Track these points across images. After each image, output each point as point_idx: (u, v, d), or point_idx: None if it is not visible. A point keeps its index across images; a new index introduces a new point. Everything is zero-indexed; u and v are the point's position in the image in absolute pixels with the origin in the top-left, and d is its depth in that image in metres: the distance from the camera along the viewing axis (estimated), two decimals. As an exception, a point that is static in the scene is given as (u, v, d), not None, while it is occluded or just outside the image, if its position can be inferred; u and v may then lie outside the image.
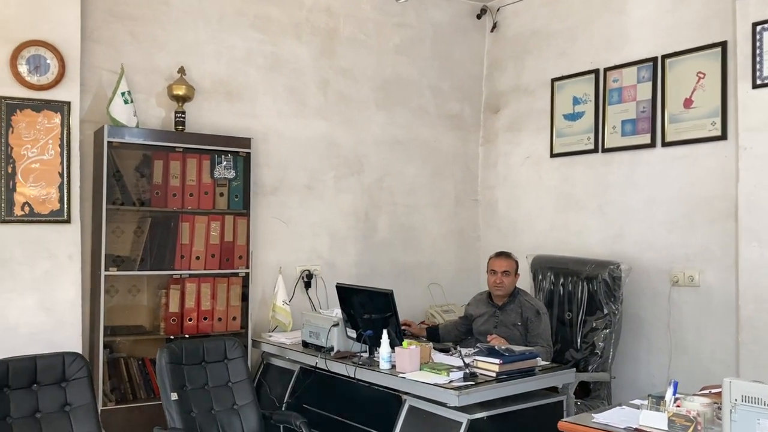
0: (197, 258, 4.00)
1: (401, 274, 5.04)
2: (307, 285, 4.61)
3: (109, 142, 3.73)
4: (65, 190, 3.67)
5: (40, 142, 3.63)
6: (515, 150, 5.16)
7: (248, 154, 4.17)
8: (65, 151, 3.68)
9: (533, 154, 5.02)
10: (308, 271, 4.59)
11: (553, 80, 4.87)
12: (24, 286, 3.56)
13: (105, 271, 3.70)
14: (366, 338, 3.38)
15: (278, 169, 4.56)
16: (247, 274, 4.14)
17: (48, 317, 3.61)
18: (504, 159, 5.25)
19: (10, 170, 3.55)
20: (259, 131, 4.43)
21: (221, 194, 4.11)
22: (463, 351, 3.48)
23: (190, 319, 3.97)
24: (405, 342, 3.18)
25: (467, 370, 3.04)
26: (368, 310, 3.40)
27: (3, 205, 3.53)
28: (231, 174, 4.11)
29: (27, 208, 3.58)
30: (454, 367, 3.15)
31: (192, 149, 4.00)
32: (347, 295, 3.56)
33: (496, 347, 3.14)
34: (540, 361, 3.25)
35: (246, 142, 4.17)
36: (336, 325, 3.57)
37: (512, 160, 5.19)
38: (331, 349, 3.57)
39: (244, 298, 4.15)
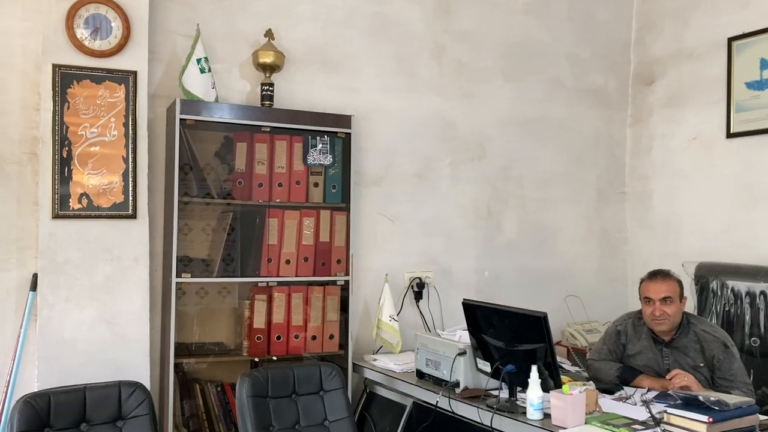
0: (287, 262, 3.26)
1: (531, 283, 4.13)
2: (418, 296, 3.78)
3: (181, 119, 3.05)
4: (130, 179, 3.01)
5: (100, 121, 2.98)
6: (676, 130, 4.14)
7: (348, 135, 3.39)
8: (131, 132, 3.02)
9: (702, 135, 3.98)
10: (419, 278, 3.77)
11: (731, 39, 3.82)
12: (81, 294, 2.93)
13: (177, 277, 3.02)
14: (505, 375, 2.51)
15: (383, 154, 3.76)
16: (347, 282, 3.37)
17: (109, 332, 2.97)
18: (660, 142, 4.23)
19: (65, 154, 2.92)
20: (360, 108, 3.65)
21: (315, 184, 3.35)
22: (637, 394, 2.56)
23: (279, 337, 3.23)
24: (566, 385, 2.28)
25: (659, 430, 2.12)
26: (508, 338, 2.54)
27: (56, 196, 2.90)
28: (328, 159, 3.34)
29: (85, 201, 2.95)
30: (635, 421, 2.24)
31: (282, 129, 3.26)
32: (478, 315, 2.71)
33: (700, 397, 2.19)
34: (759, 417, 2.28)
35: (346, 120, 3.39)
36: (463, 354, 2.73)
37: (672, 142, 4.16)
38: (456, 384, 2.73)
39: (344, 311, 3.38)
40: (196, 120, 3.08)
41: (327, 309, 3.34)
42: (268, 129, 3.23)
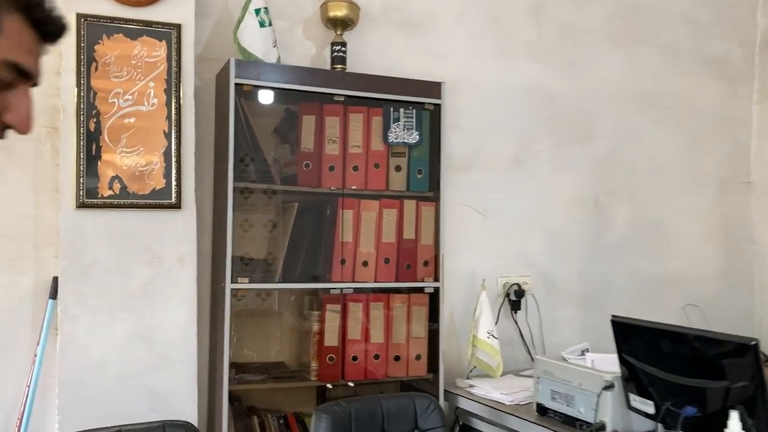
0: (364, 264, 2.62)
1: (644, 290, 3.43)
2: (515, 306, 3.12)
3: (237, 84, 2.42)
4: (173, 159, 2.40)
5: (136, 85, 2.38)
6: (823, 105, 3.42)
7: (438, 107, 2.74)
8: (174, 100, 2.41)
9: None
10: (517, 285, 3.10)
11: None
12: (113, 304, 2.33)
13: (232, 282, 2.40)
14: (680, 419, 1.84)
15: (472, 133, 3.11)
16: (437, 289, 2.71)
17: (148, 351, 2.36)
18: (801, 120, 3.52)
19: (92, 127, 2.32)
20: (446, 77, 2.99)
21: (398, 168, 2.71)
22: None
23: (355, 358, 2.59)
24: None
25: None
26: (684, 369, 1.86)
27: (82, 181, 2.30)
28: (414, 137, 2.70)
29: (117, 186, 2.34)
30: None
31: (358, 99, 2.62)
32: (635, 337, 2.04)
33: None
34: None
35: (435, 88, 2.74)
36: (610, 387, 2.05)
37: (817, 120, 3.44)
38: (602, 427, 2.06)
39: (432, 324, 2.73)
40: (254, 85, 2.46)
41: (413, 322, 2.69)
42: (342, 98, 2.59)
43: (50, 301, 2.38)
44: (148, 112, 2.38)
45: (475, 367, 2.86)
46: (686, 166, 3.56)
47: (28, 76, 0.86)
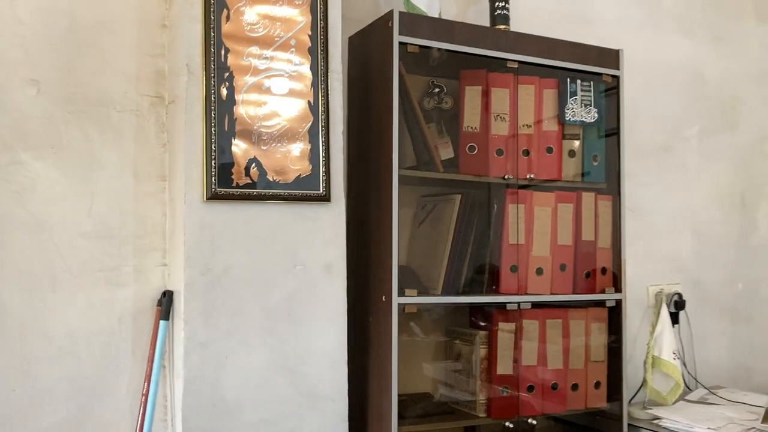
0: (538, 272, 2.12)
1: (790, 297, 3.04)
2: (673, 320, 2.65)
3: (401, 44, 1.90)
4: (320, 139, 1.86)
5: (276, 42, 1.83)
6: None
7: (617, 79, 2.26)
8: (321, 63, 1.87)
9: None
10: (678, 295, 2.64)
11: None
12: (251, 327, 1.77)
13: (399, 296, 1.86)
14: None
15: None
16: (619, 302, 2.23)
17: (291, 387, 1.81)
18: None
19: (224, 93, 1.76)
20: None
21: (571, 153, 2.22)
22: None
23: (531, 388, 2.09)
24: None
25: None
26: None
27: (212, 163, 1.74)
28: (592, 116, 2.21)
29: (255, 172, 1.79)
30: None
31: (530, 67, 2.12)
32: None
33: None
34: None
35: (612, 57, 2.26)
36: None
37: None
38: None
39: (613, 344, 2.24)
40: (420, 46, 1.93)
41: (591, 344, 2.20)
42: (516, 66, 2.08)
43: (162, 323, 1.80)
44: (290, 77, 1.84)
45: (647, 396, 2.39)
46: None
47: None
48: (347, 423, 1.88)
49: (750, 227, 2.95)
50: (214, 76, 1.75)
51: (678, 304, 2.62)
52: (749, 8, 2.96)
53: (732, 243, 2.91)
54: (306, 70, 1.86)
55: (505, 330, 2.06)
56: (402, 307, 1.87)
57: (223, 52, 1.76)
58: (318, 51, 1.87)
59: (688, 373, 2.63)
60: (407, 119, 1.99)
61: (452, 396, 2.13)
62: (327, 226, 1.87)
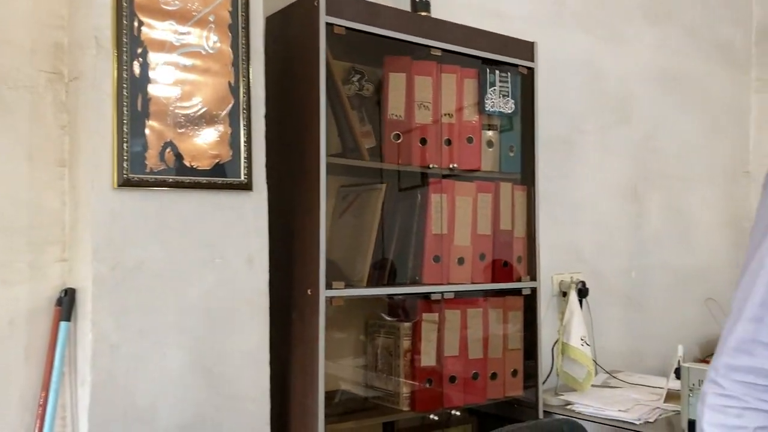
0: (460, 261, 2.10)
1: (675, 285, 3.24)
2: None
3: (329, 25, 1.81)
4: (241, 123, 1.74)
5: (192, 18, 1.69)
6: (832, 95, 3.41)
7: (532, 71, 2.29)
8: (242, 42, 1.75)
9: None
10: (582, 282, 2.72)
11: None
12: (167, 325, 1.62)
13: (327, 289, 1.78)
14: None
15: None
16: (534, 290, 2.27)
17: (209, 388, 1.68)
18: (807, 110, 3.50)
19: (137, 70, 1.60)
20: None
21: (489, 143, 2.22)
22: None
23: (453, 379, 2.07)
24: None
25: None
26: None
27: (124, 147, 1.58)
28: (510, 106, 2.23)
29: (170, 158, 1.64)
30: None
31: (453, 56, 2.10)
32: None
33: None
34: None
35: (527, 49, 2.29)
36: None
37: (826, 110, 3.43)
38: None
39: (529, 332, 2.27)
40: (348, 28, 1.85)
41: (509, 331, 2.22)
42: (439, 53, 2.05)
43: (63, 324, 1.62)
44: (208, 55, 1.70)
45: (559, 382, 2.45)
46: (704, 153, 3.41)
47: None
48: (269, 425, 1.78)
49: (642, 218, 3.11)
50: (126, 51, 1.58)
51: (581, 292, 2.70)
52: (638, 10, 3.11)
53: (627, 233, 3.05)
54: (226, 48, 1.73)
55: (428, 321, 2.03)
56: (329, 300, 1.79)
57: (136, 24, 1.60)
58: (239, 28, 1.75)
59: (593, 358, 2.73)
60: (332, 105, 1.91)
61: (376, 390, 2.08)
62: (248, 216, 1.75)
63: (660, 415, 2.16)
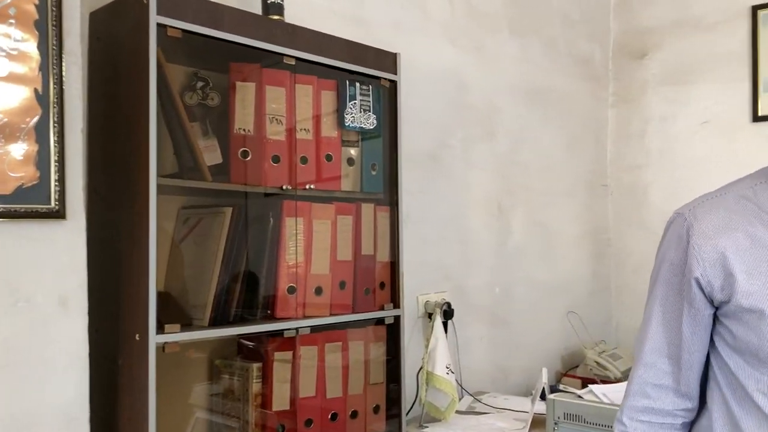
0: (318, 292, 1.91)
1: (539, 299, 3.23)
2: (443, 326, 2.63)
3: (160, 26, 1.56)
4: (52, 139, 1.45)
5: (-14, 9, 1.39)
6: (681, 112, 3.54)
7: (395, 84, 2.14)
8: (53, 41, 1.46)
9: (718, 118, 3.42)
10: (447, 303, 2.62)
11: (756, 8, 3.31)
12: (-55, 388, 1.31)
13: (158, 333, 1.52)
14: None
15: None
16: (398, 318, 2.12)
17: (7, 460, 1.39)
18: (658, 126, 3.61)
19: None
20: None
21: (350, 161, 2.05)
22: None
23: (309, 423, 1.88)
24: None
25: None
26: None
27: None
28: (371, 122, 2.06)
29: (-46, 180, 1.33)
30: None
31: (308, 65, 1.90)
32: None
33: None
34: None
35: (389, 60, 2.14)
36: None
37: (675, 127, 3.55)
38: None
39: (392, 364, 2.12)
40: (185, 30, 1.61)
41: (371, 364, 2.06)
42: (293, 62, 1.85)
43: None
44: (9, 56, 1.40)
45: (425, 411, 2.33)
46: (565, 166, 3.44)
47: None
48: (90, 497, 1.50)
49: (506, 233, 3.06)
50: None
51: (447, 314, 2.60)
52: (503, 21, 3.06)
53: (492, 249, 2.99)
54: (32, 48, 1.43)
55: (282, 360, 1.83)
56: (161, 347, 1.54)
57: None
58: (49, 26, 1.46)
59: (458, 383, 2.63)
60: (167, 117, 1.66)
61: (223, 439, 1.84)
62: (61, 249, 1.47)
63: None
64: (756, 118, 3.32)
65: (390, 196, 2.12)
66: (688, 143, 3.50)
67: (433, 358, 2.27)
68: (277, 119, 1.84)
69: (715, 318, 1.25)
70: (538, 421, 2.23)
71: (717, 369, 1.27)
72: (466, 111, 2.86)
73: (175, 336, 1.57)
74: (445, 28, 2.78)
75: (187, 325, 1.66)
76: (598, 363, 3.10)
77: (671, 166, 3.55)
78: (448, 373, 2.26)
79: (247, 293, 1.80)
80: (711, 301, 1.27)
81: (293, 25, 1.88)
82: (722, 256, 1.21)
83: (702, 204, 1.34)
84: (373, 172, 2.10)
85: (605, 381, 3.00)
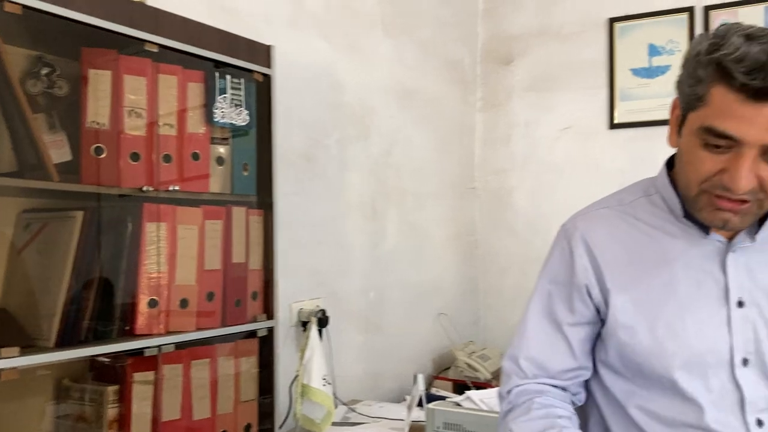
0: (183, 304, 1.74)
1: (412, 302, 3.20)
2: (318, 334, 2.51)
3: (-5, -3, 1.33)
4: None
5: None
6: (544, 118, 3.65)
7: (268, 79, 2.00)
8: None
9: (578, 124, 3.56)
10: (322, 311, 2.50)
11: (613, 20, 3.48)
12: None
13: (-9, 362, 1.30)
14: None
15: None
16: (271, 330, 1.98)
17: None
18: (524, 131, 3.70)
19: None
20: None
21: (219, 160, 1.89)
22: None
23: (174, 449, 1.70)
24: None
25: None
26: None
27: None
28: (243, 118, 1.91)
29: None
30: None
31: (173, 53, 1.72)
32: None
33: None
34: None
35: (263, 53, 2.00)
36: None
37: (539, 131, 3.66)
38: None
39: (264, 380, 1.98)
40: (25, 7, 1.38)
41: (242, 380, 1.91)
42: (156, 49, 1.66)
43: None
44: None
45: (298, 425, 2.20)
46: (434, 170, 3.43)
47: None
48: None
49: (380, 236, 3.00)
50: None
51: (321, 322, 2.49)
52: (377, 20, 3.00)
53: (366, 252, 2.92)
54: None
55: (142, 381, 1.64)
56: (-4, 376, 1.31)
57: None
58: None
59: (333, 393, 2.53)
60: (4, 106, 1.42)
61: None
62: None
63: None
64: (612, 125, 3.48)
65: (263, 198, 1.98)
66: (550, 148, 3.62)
67: (308, 370, 2.16)
68: (136, 112, 1.64)
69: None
70: (415, 429, 2.18)
71: (594, 384, 1.32)
72: (341, 110, 2.77)
73: (12, 361, 1.34)
74: (319, 23, 2.67)
75: (28, 347, 1.43)
76: (468, 365, 3.12)
77: (535, 170, 3.65)
78: (324, 385, 2.15)
79: (102, 308, 1.59)
80: (597, 311, 1.30)
81: (157, 8, 1.69)
82: (600, 270, 1.26)
83: (584, 217, 1.35)
84: (245, 173, 1.95)
85: (476, 382, 3.03)
